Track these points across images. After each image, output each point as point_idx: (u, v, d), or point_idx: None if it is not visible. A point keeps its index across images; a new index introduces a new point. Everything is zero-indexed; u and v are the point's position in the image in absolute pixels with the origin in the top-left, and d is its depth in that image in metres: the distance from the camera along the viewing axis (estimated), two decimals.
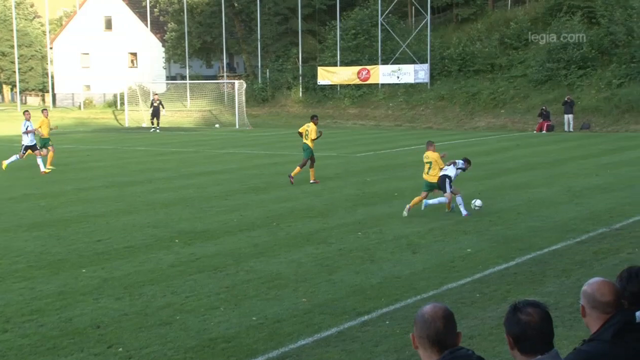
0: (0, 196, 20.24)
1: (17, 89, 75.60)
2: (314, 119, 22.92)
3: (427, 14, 52.83)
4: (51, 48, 75.02)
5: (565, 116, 41.40)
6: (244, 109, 53.10)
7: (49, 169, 25.01)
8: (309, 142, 22.26)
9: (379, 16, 53.91)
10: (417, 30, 54.13)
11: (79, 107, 68.44)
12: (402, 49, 53.03)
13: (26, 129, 25.15)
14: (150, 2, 66.46)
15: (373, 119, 51.22)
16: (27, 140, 25.26)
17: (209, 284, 11.13)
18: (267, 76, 59.31)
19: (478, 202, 16.72)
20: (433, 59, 51.80)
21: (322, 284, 11.07)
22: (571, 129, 41.10)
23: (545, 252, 12.81)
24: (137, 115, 56.62)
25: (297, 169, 22.10)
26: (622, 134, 38.62)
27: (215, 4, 61.68)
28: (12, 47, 74.51)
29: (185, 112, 57.99)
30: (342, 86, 55.02)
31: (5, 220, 16.62)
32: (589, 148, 31.09)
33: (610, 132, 40.01)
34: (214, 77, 66.73)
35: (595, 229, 14.59)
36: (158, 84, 65.48)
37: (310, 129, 22.31)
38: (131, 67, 71.74)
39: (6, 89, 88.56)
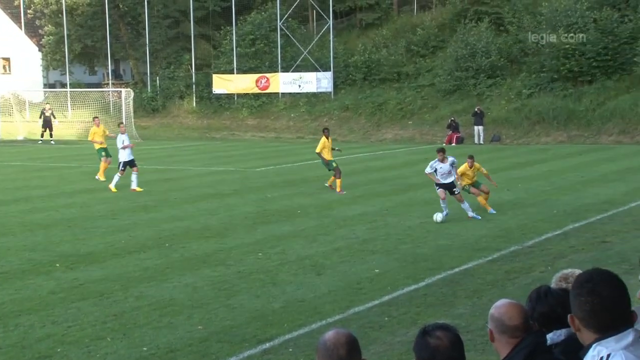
0: None
1: None
2: (324, 132, 24.38)
3: (329, 19, 53.55)
4: None
5: (475, 127, 42.70)
6: (132, 120, 52.31)
7: (139, 188, 24.21)
8: (326, 156, 23.56)
9: (278, 20, 54.28)
10: (319, 36, 54.78)
11: None
12: (303, 55, 53.53)
13: (122, 143, 24.74)
14: (25, 2, 64.67)
15: (273, 130, 51.39)
16: (124, 156, 24.76)
17: (94, 311, 10.89)
18: (157, 84, 58.68)
19: (439, 217, 17.71)
20: (336, 67, 52.49)
21: (219, 309, 11.01)
22: (481, 141, 42.39)
23: (455, 271, 13.14)
24: (12, 127, 54.83)
25: (338, 181, 23.04)
26: (533, 146, 40.14)
27: (97, 5, 60.70)
28: None
29: (67, 123, 56.57)
30: (240, 95, 55.02)
31: None
32: (499, 161, 32.12)
33: (521, 144, 41.49)
34: (98, 85, 65.53)
35: (507, 246, 15.08)
36: (35, 92, 63.67)
37: (320, 143, 23.80)
38: (4, 73, 69.47)
39: None
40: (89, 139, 28.89)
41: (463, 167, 19.30)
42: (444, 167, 18.35)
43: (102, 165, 27.72)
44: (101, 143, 28.22)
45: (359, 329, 9.74)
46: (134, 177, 24.48)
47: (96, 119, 29.92)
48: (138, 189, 24.20)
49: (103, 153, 28.03)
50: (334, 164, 23.49)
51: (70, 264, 13.95)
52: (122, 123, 26.98)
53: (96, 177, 27.62)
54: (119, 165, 24.87)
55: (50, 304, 11.32)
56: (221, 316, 10.69)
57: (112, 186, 24.46)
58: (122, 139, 25.03)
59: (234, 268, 13.55)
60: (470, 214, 18.32)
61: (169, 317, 10.65)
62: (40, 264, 14.02)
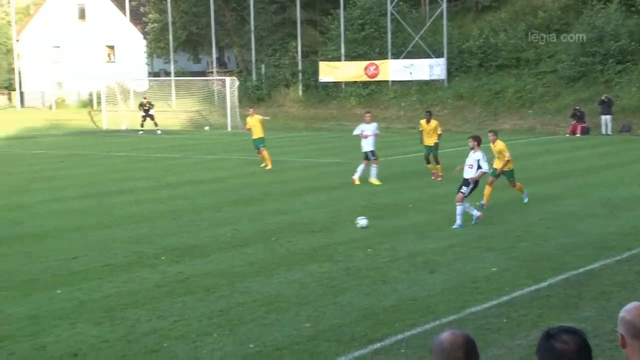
0: None
1: None
2: (426, 115, 25.20)
3: (442, 2, 52.99)
4: (17, 41, 75.22)
5: (602, 117, 41.48)
6: (237, 109, 53.22)
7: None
8: (426, 141, 24.49)
9: (388, 4, 54.09)
10: (431, 20, 54.32)
11: (50, 107, 68.60)
12: (414, 41, 53.21)
13: (361, 132, 24.32)
14: None
15: (382, 120, 51.27)
16: (367, 146, 24.11)
17: (199, 306, 11.17)
18: (263, 72, 59.50)
19: (364, 222, 16.81)
20: (450, 53, 51.95)
21: (327, 307, 11.11)
22: (609, 132, 41.17)
23: (580, 272, 12.85)
24: (116, 117, 56.72)
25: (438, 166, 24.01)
26: None
27: None
28: None
29: (171, 112, 58.13)
30: (347, 83, 55.18)
31: None
32: (629, 154, 31.13)
33: None
34: (203, 74, 66.90)
35: (638, 245, 14.62)
36: (139, 81, 65.57)
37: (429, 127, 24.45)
38: (109, 62, 72.07)
39: None
40: (248, 127, 29.66)
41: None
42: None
43: (265, 154, 28.69)
44: (259, 132, 29.05)
45: (475, 330, 9.65)
46: (374, 170, 23.85)
47: (250, 110, 31.03)
48: (375, 181, 23.56)
49: (262, 143, 28.95)
50: (434, 151, 24.18)
51: (175, 257, 14.35)
52: (368, 112, 25.76)
53: (263, 166, 28.44)
54: (366, 156, 24.04)
55: (156, 297, 11.68)
56: (329, 314, 10.79)
57: (355, 178, 23.79)
58: (362, 129, 24.28)
59: (342, 264, 13.64)
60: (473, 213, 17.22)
61: (276, 313, 10.83)
62: (145, 256, 14.48)
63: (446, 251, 14.50)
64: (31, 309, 11.08)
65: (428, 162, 24.78)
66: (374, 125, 24.56)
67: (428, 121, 24.77)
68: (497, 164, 19.39)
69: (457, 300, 11.36)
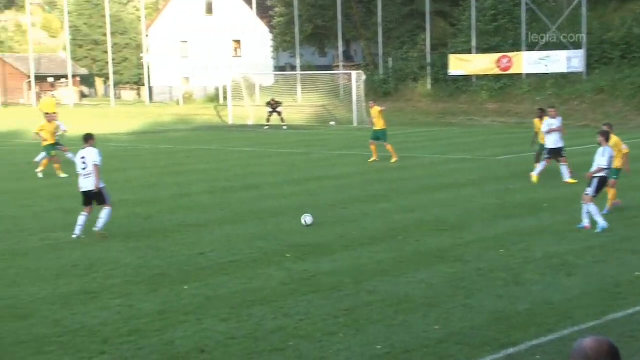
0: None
1: (111, 82, 78.70)
2: (538, 112, 24.70)
3: None
4: (147, 36, 77.78)
5: None
6: (363, 104, 53.31)
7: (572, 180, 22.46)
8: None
9: None
10: (569, 10, 52.82)
11: (178, 102, 70.62)
12: (551, 32, 51.88)
13: (549, 127, 22.88)
14: None
15: (516, 115, 50.34)
16: (551, 143, 22.78)
17: (325, 305, 11.23)
18: (390, 66, 59.38)
19: (308, 219, 17.07)
20: (590, 44, 50.41)
21: (457, 308, 10.97)
22: None
23: None
24: (242, 111, 57.81)
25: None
26: None
27: None
28: (105, 34, 77.71)
29: (296, 108, 58.82)
30: (479, 77, 54.39)
31: (104, 229, 17.28)
32: None
33: None
34: (329, 68, 67.40)
35: None
36: (265, 75, 66.65)
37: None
38: (235, 56, 73.56)
39: (99, 82, 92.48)
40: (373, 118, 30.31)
41: None
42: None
43: (389, 148, 29.38)
44: (380, 124, 29.72)
45: (618, 338, 9.30)
46: (562, 169, 22.74)
47: (371, 102, 32.02)
48: (570, 180, 22.34)
49: (383, 136, 29.58)
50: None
51: (301, 254, 14.48)
52: (552, 107, 24.42)
53: (394, 162, 28.96)
54: (545, 153, 23.01)
55: (281, 295, 11.82)
56: (459, 316, 10.65)
57: (534, 174, 22.77)
58: (550, 124, 22.99)
59: (473, 265, 13.45)
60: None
61: (404, 314, 10.77)
62: (271, 253, 14.68)
63: (585, 253, 14.07)
64: (159, 304, 11.40)
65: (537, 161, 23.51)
66: (559, 119, 23.43)
67: (541, 119, 23.82)
68: (617, 162, 17.80)
69: (597, 305, 10.99)
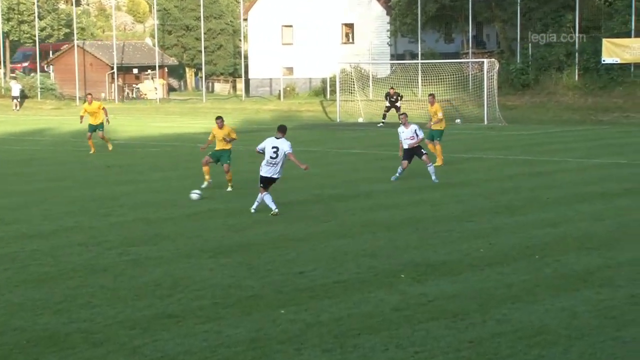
0: (180, 212, 21.55)
1: (203, 74, 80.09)
2: None
3: None
4: (245, 20, 78.87)
5: None
6: (496, 98, 52.79)
7: None
8: None
9: None
10: None
11: (278, 97, 71.38)
12: None
13: None
14: None
15: None
16: None
17: (446, 335, 11.15)
18: (529, 53, 58.58)
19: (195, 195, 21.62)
20: None
21: (606, 343, 10.77)
22: None
23: None
24: (352, 107, 58.01)
25: None
26: None
27: None
28: (198, 19, 79.21)
29: (416, 102, 58.67)
30: (638, 66, 53.09)
31: (185, 242, 17.67)
32: None
33: None
34: (455, 55, 66.98)
35: None
36: (380, 64, 66.69)
37: None
38: (345, 42, 73.88)
39: (189, 73, 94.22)
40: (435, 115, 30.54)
41: None
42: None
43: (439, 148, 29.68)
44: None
45: None
46: None
47: (430, 97, 32.01)
48: None
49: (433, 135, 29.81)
50: None
51: (417, 275, 14.42)
52: None
53: None
54: None
55: (394, 322, 11.79)
56: (608, 352, 10.44)
57: None
58: None
59: (625, 291, 13.16)
60: None
61: (540, 348, 10.61)
62: (382, 273, 14.66)
63: None
64: (252, 331, 11.53)
65: None
66: None
67: None
68: None
69: None
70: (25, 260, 16.04)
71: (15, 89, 72.56)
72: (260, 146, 20.95)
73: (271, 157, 20.38)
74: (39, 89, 76.68)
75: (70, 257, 16.29)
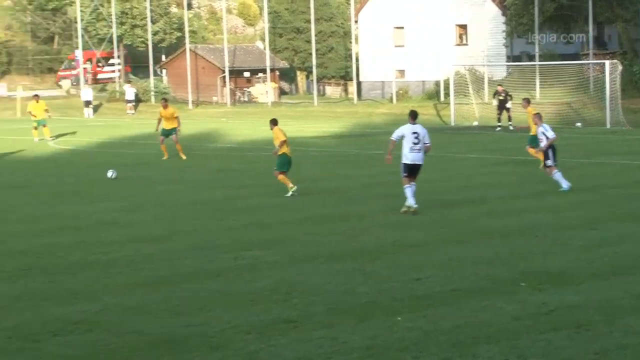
0: (293, 216, 21.75)
1: (314, 77, 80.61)
2: None
3: None
4: (356, 22, 79.06)
5: None
6: (619, 101, 51.73)
7: None
8: None
9: None
10: None
11: (390, 100, 71.35)
12: None
13: None
14: None
15: None
16: None
17: (568, 347, 10.99)
18: None
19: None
20: None
21: None
22: None
23: None
24: (467, 110, 57.59)
25: None
26: None
27: None
28: (309, 21, 79.69)
29: (533, 105, 57.81)
30: None
31: (300, 247, 17.82)
32: None
33: None
34: (575, 57, 65.88)
35: None
36: (495, 66, 66.09)
37: None
38: (459, 44, 73.43)
39: (301, 76, 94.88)
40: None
41: None
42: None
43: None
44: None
45: None
46: None
47: (525, 101, 32.75)
48: None
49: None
50: None
51: (537, 283, 14.24)
52: None
53: None
54: None
55: (514, 332, 11.67)
56: None
57: None
58: None
59: None
60: None
61: None
62: (500, 281, 14.53)
63: None
64: (368, 338, 11.55)
65: None
66: None
67: None
68: None
69: None
70: (140, 263, 16.41)
71: (130, 92, 74.18)
72: (396, 134, 21.21)
73: (414, 143, 20.82)
74: (152, 93, 78.23)
75: (186, 260, 16.61)
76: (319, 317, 12.58)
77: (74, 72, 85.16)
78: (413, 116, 21.36)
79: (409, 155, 20.87)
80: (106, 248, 17.83)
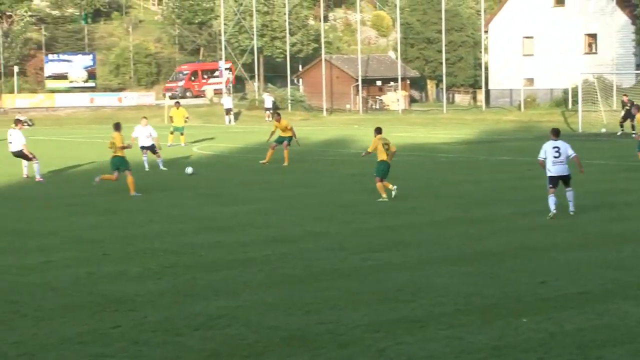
0: (421, 219, 21.66)
1: (444, 85, 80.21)
2: None
3: None
4: (486, 32, 78.33)
5: None
6: None
7: None
8: None
9: None
10: None
11: (519, 107, 70.42)
12: None
13: None
14: None
15: None
16: None
17: None
18: None
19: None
20: None
21: None
22: None
23: None
24: (594, 118, 56.34)
25: None
26: None
27: None
28: (440, 32, 79.35)
29: None
30: None
31: (427, 249, 17.73)
32: None
33: None
34: None
35: None
36: (623, 75, 64.50)
37: None
38: (588, 52, 71.92)
39: (431, 84, 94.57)
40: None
41: None
42: None
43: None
44: None
45: None
46: None
47: (634, 108, 31.43)
48: None
49: None
50: None
51: None
52: None
53: None
54: None
55: (639, 335, 11.36)
56: None
57: None
58: None
59: None
60: None
61: None
62: (627, 285, 14.21)
63: None
64: (494, 339, 11.40)
65: None
66: None
67: None
68: None
69: None
70: (276, 262, 16.58)
71: (268, 101, 75.12)
72: (541, 153, 21.97)
73: (554, 157, 21.39)
74: (289, 101, 79.08)
75: (318, 261, 16.70)
76: (445, 317, 12.47)
77: (179, 84, 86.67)
78: (555, 133, 22.07)
79: (552, 169, 21.40)
80: (244, 248, 18.08)
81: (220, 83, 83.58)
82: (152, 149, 33.40)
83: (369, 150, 25.29)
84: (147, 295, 13.98)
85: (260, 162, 35.43)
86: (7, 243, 18.82)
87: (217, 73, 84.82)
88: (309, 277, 15.30)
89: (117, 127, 27.14)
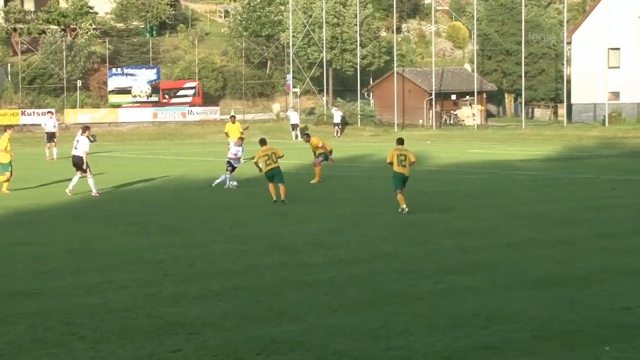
0: (497, 240, 21.45)
1: (522, 99, 79.52)
2: None
3: None
4: (568, 43, 77.50)
5: None
6: None
7: None
8: None
9: None
10: None
11: (603, 123, 69.52)
12: None
13: None
14: None
15: None
16: None
17: None
18: None
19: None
20: None
21: None
22: None
23: None
24: None
25: None
26: None
27: None
28: (519, 43, 78.71)
29: None
30: None
31: (503, 272, 17.52)
32: None
33: None
34: None
35: None
36: None
37: None
38: None
39: (509, 98, 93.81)
40: None
41: None
42: None
43: None
44: None
45: None
46: None
47: None
48: None
49: None
50: None
51: None
52: None
53: None
54: None
55: None
56: None
57: None
58: None
59: None
60: None
61: None
62: None
63: None
64: None
65: None
66: None
67: None
68: None
69: None
70: (343, 284, 16.50)
71: (337, 116, 75.30)
72: None
73: None
74: (359, 116, 79.12)
75: (387, 283, 16.59)
76: (522, 344, 12.29)
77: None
78: None
79: None
80: (310, 269, 18.04)
81: (185, 104, 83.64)
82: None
83: (387, 161, 26.41)
84: (208, 318, 14.00)
85: (311, 181, 35.58)
86: (66, 263, 19.05)
87: (180, 92, 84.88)
88: (378, 300, 15.19)
89: (263, 141, 30.07)
